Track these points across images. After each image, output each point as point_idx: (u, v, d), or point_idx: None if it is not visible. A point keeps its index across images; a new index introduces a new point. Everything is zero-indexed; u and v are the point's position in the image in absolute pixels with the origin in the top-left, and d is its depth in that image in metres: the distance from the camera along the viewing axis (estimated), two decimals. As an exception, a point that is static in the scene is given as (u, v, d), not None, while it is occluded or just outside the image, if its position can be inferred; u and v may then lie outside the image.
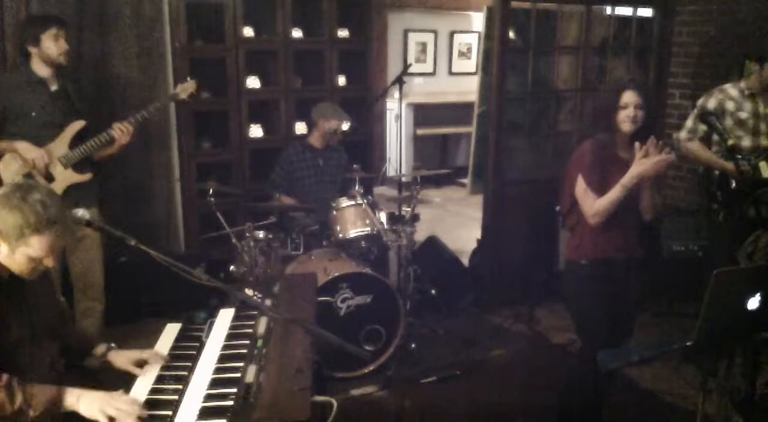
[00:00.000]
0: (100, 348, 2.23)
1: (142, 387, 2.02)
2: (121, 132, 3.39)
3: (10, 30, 3.73)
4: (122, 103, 4.10)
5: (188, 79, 3.75)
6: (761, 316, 2.18)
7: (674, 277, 4.38)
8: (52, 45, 3.28)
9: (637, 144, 2.55)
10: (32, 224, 1.83)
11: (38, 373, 1.94)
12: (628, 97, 2.58)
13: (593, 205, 2.62)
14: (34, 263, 1.91)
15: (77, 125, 3.39)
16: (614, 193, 2.57)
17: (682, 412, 3.28)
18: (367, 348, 3.61)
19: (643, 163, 2.51)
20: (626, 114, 2.58)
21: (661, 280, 4.47)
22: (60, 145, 3.35)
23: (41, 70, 3.34)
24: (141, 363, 2.14)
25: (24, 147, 3.25)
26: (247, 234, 3.64)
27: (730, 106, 3.74)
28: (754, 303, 2.14)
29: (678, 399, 3.41)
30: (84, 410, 1.84)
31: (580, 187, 2.65)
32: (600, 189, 2.61)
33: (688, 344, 2.08)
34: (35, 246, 1.86)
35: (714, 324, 2.11)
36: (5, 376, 1.79)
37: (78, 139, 3.38)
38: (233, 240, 3.76)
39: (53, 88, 3.38)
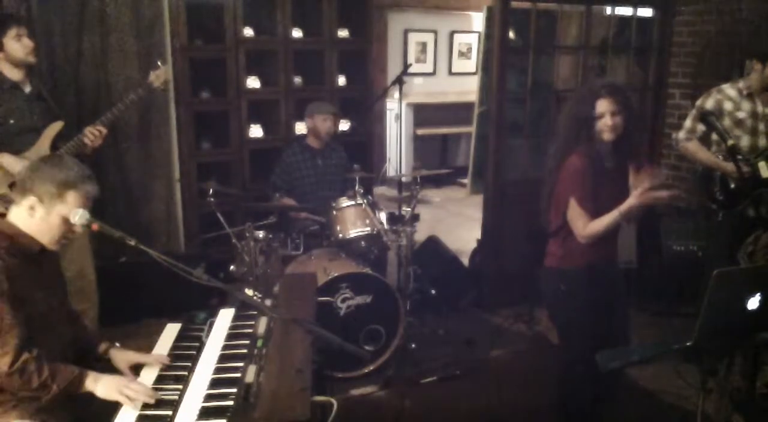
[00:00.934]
0: (103, 345, 2.27)
1: (142, 387, 2.02)
2: (93, 136, 3.33)
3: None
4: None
5: (159, 64, 3.64)
6: (761, 316, 2.18)
7: (674, 277, 4.38)
8: (16, 45, 3.20)
9: (632, 169, 2.51)
10: (71, 179, 1.98)
11: (52, 357, 1.99)
12: (603, 106, 2.49)
13: (586, 226, 2.55)
14: (66, 227, 2.01)
15: (56, 127, 3.34)
16: (610, 218, 2.51)
17: (682, 412, 3.29)
18: (367, 348, 3.61)
19: (644, 196, 2.44)
20: (604, 123, 2.50)
21: (661, 280, 4.47)
22: (41, 150, 3.29)
23: (12, 73, 3.26)
24: (138, 367, 2.17)
25: (8, 161, 3.18)
26: (247, 234, 3.63)
27: (728, 106, 3.74)
28: (754, 303, 2.14)
29: (678, 399, 3.41)
30: (101, 392, 1.94)
31: (574, 208, 2.57)
32: (593, 206, 2.55)
33: (688, 344, 2.08)
34: (71, 204, 1.98)
35: (714, 324, 2.11)
36: (36, 349, 1.88)
37: (58, 141, 3.33)
38: (233, 240, 3.75)
39: (27, 90, 3.32)
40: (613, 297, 2.76)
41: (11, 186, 3.21)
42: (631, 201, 2.47)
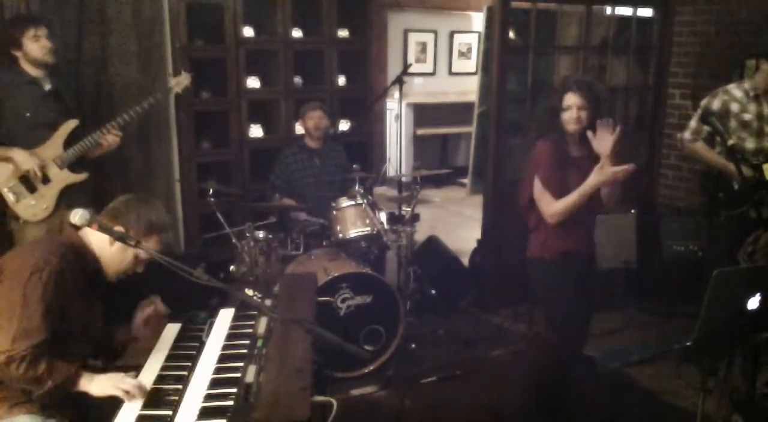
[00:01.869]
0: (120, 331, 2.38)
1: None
2: (113, 138, 3.43)
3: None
4: (122, 103, 4.10)
5: (182, 71, 3.73)
6: (761, 316, 2.18)
7: (674, 277, 4.38)
8: (33, 46, 3.27)
9: (589, 133, 2.60)
10: (161, 224, 2.14)
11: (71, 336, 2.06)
12: (570, 99, 2.66)
13: (550, 206, 2.69)
14: (134, 264, 2.13)
15: (70, 125, 3.38)
16: (571, 198, 2.64)
17: (682, 412, 3.29)
18: (367, 348, 3.61)
19: (602, 173, 2.57)
20: (569, 115, 2.66)
21: (661, 280, 4.47)
22: (54, 146, 3.33)
23: (31, 70, 3.33)
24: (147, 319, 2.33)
25: (19, 156, 3.22)
26: (247, 234, 3.64)
27: (734, 107, 3.73)
28: (754, 303, 2.14)
29: (678, 399, 3.41)
30: (96, 390, 1.96)
31: (537, 187, 2.73)
32: (557, 188, 2.68)
33: (688, 344, 2.09)
34: (152, 245, 2.10)
35: (714, 324, 2.11)
36: (37, 351, 1.89)
37: (72, 139, 3.37)
38: (233, 240, 3.76)
39: (47, 87, 3.37)
40: (586, 289, 2.85)
41: (22, 178, 3.27)
42: (591, 179, 2.59)
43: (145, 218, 2.11)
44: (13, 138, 3.27)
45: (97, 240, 2.10)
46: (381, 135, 7.68)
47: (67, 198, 3.33)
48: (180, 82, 3.69)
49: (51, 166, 3.32)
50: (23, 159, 3.22)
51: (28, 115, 3.29)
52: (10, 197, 3.27)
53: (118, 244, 2.06)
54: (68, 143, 3.37)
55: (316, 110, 4.18)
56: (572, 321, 2.82)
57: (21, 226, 3.31)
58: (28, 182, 3.28)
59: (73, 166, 3.40)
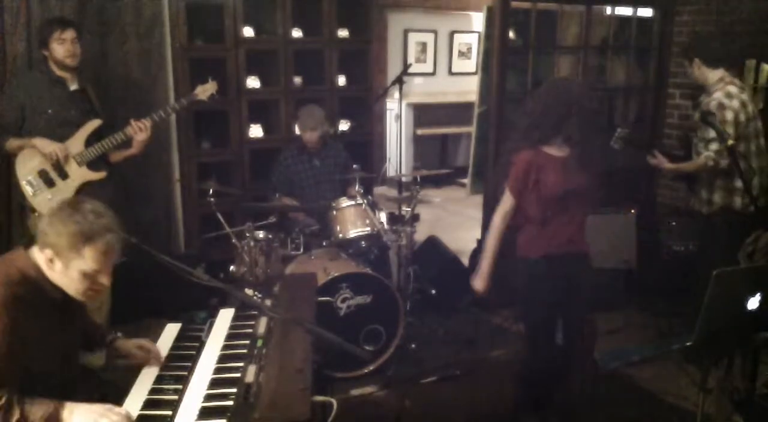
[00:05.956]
0: (109, 337, 2.28)
1: (142, 387, 2.02)
2: (139, 129, 3.47)
3: (10, 30, 3.74)
4: (122, 103, 4.10)
5: (209, 79, 3.79)
6: (761, 316, 2.18)
7: (674, 277, 4.37)
8: (58, 47, 3.37)
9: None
10: (86, 233, 1.83)
11: (49, 373, 1.93)
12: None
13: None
14: (89, 281, 1.88)
15: (93, 124, 3.47)
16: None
17: (682, 412, 3.29)
18: (367, 348, 3.61)
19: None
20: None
21: (661, 280, 4.47)
22: (75, 144, 3.42)
23: (57, 70, 3.44)
24: (144, 348, 2.19)
25: (41, 142, 3.32)
26: (247, 234, 3.63)
27: None
28: (754, 303, 2.14)
29: (678, 399, 3.41)
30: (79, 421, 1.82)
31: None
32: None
33: (688, 344, 2.09)
34: (89, 258, 1.84)
35: (714, 324, 2.11)
36: (5, 396, 1.76)
37: (94, 139, 3.46)
38: (233, 240, 3.75)
39: (72, 87, 3.48)
40: (577, 289, 2.85)
41: (41, 172, 3.36)
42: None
43: (65, 232, 1.83)
44: (38, 134, 3.36)
45: (45, 268, 1.90)
46: (381, 135, 7.69)
47: (85, 195, 3.37)
48: (206, 89, 3.74)
49: (71, 162, 3.40)
50: (44, 144, 3.31)
51: (50, 111, 3.39)
52: (28, 190, 3.36)
53: (57, 267, 1.87)
54: (90, 142, 3.45)
55: (311, 130, 4.14)
56: (545, 323, 2.86)
57: (36, 220, 3.34)
58: (47, 176, 3.38)
59: (95, 165, 3.47)
